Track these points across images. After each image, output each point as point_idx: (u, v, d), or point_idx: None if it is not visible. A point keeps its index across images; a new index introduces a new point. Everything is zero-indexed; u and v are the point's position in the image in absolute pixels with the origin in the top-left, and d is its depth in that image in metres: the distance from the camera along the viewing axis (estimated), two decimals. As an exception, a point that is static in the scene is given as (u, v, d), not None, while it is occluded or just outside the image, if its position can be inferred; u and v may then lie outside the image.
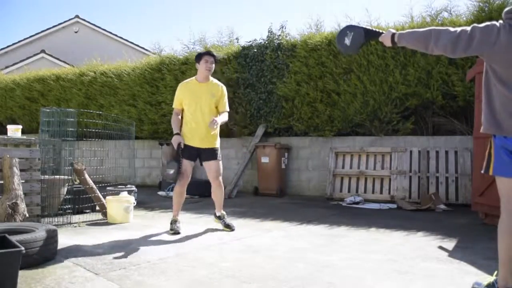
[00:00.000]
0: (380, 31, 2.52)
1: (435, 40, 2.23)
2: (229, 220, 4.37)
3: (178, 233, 4.04)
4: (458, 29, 2.22)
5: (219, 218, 4.36)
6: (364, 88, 6.87)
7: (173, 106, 4.28)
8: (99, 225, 4.48)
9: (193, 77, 4.30)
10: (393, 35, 2.39)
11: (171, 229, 4.10)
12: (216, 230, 4.27)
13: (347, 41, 2.57)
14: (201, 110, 4.13)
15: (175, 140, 4.08)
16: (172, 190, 7.13)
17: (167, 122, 8.88)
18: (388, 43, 2.42)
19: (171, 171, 4.03)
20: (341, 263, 3.03)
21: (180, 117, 4.23)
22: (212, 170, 4.23)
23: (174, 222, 4.17)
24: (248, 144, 7.85)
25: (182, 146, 4.07)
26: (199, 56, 4.23)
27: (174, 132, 4.14)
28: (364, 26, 2.60)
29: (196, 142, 4.14)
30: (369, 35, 2.55)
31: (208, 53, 4.25)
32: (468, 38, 2.16)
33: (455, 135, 6.57)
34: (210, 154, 4.22)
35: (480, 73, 4.13)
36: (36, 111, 10.38)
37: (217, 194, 4.34)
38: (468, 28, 2.20)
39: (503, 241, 2.22)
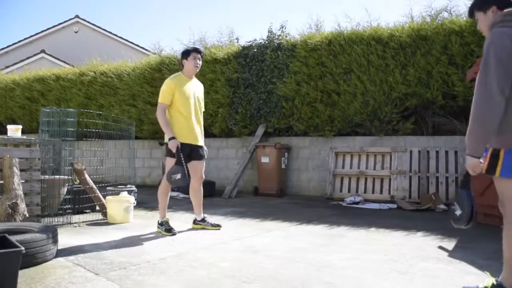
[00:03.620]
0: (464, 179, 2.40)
1: (477, 111, 2.14)
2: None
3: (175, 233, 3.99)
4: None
5: (203, 220, 4.29)
6: (364, 88, 6.88)
7: (163, 101, 3.99)
8: (99, 225, 4.48)
9: (179, 73, 4.15)
10: (471, 158, 2.15)
11: (168, 231, 4.00)
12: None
13: (458, 212, 2.54)
14: (194, 106, 4.07)
15: (174, 145, 3.91)
16: (172, 191, 7.18)
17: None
18: (478, 167, 2.15)
19: (178, 176, 3.79)
20: (341, 263, 3.03)
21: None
22: (199, 170, 4.16)
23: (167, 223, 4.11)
24: (248, 144, 7.85)
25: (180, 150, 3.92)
26: (187, 53, 4.09)
27: (171, 135, 3.95)
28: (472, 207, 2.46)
29: (190, 139, 4.05)
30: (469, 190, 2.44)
31: (196, 49, 4.12)
32: (497, 66, 2.03)
33: (455, 135, 6.57)
34: (199, 153, 4.15)
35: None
36: (36, 111, 10.38)
37: (199, 195, 4.25)
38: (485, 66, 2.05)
39: (508, 244, 2.17)
